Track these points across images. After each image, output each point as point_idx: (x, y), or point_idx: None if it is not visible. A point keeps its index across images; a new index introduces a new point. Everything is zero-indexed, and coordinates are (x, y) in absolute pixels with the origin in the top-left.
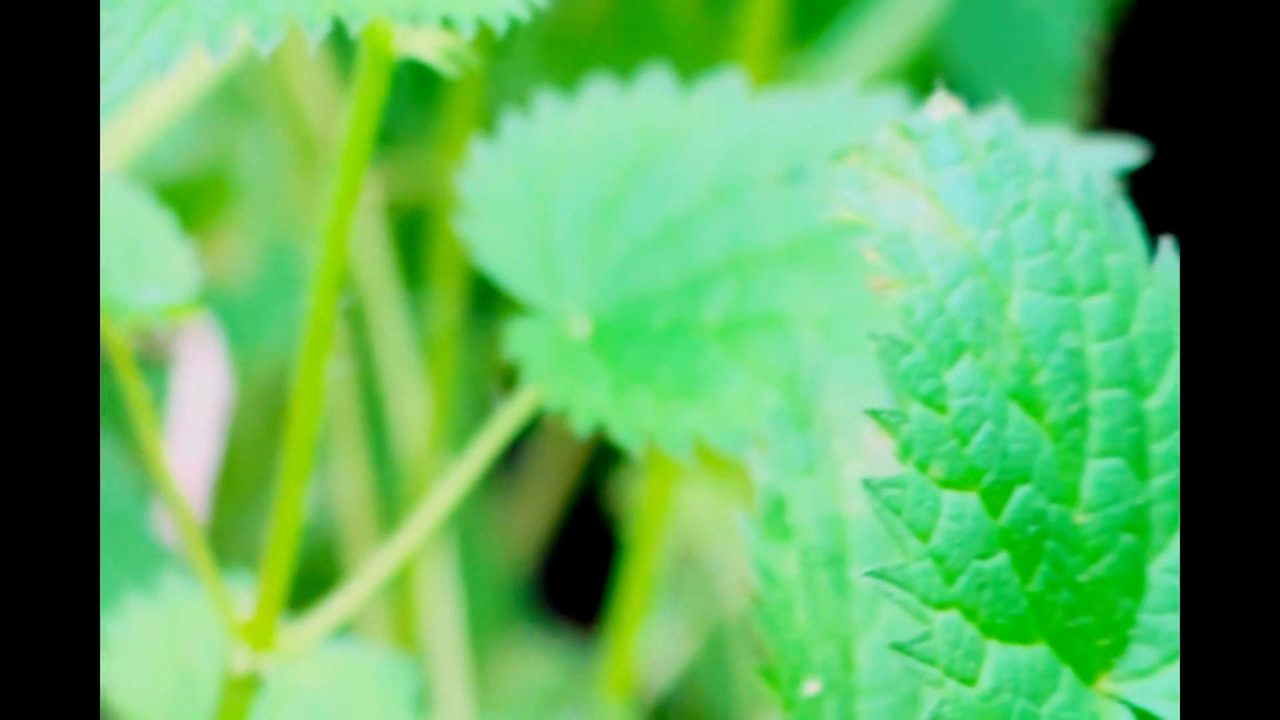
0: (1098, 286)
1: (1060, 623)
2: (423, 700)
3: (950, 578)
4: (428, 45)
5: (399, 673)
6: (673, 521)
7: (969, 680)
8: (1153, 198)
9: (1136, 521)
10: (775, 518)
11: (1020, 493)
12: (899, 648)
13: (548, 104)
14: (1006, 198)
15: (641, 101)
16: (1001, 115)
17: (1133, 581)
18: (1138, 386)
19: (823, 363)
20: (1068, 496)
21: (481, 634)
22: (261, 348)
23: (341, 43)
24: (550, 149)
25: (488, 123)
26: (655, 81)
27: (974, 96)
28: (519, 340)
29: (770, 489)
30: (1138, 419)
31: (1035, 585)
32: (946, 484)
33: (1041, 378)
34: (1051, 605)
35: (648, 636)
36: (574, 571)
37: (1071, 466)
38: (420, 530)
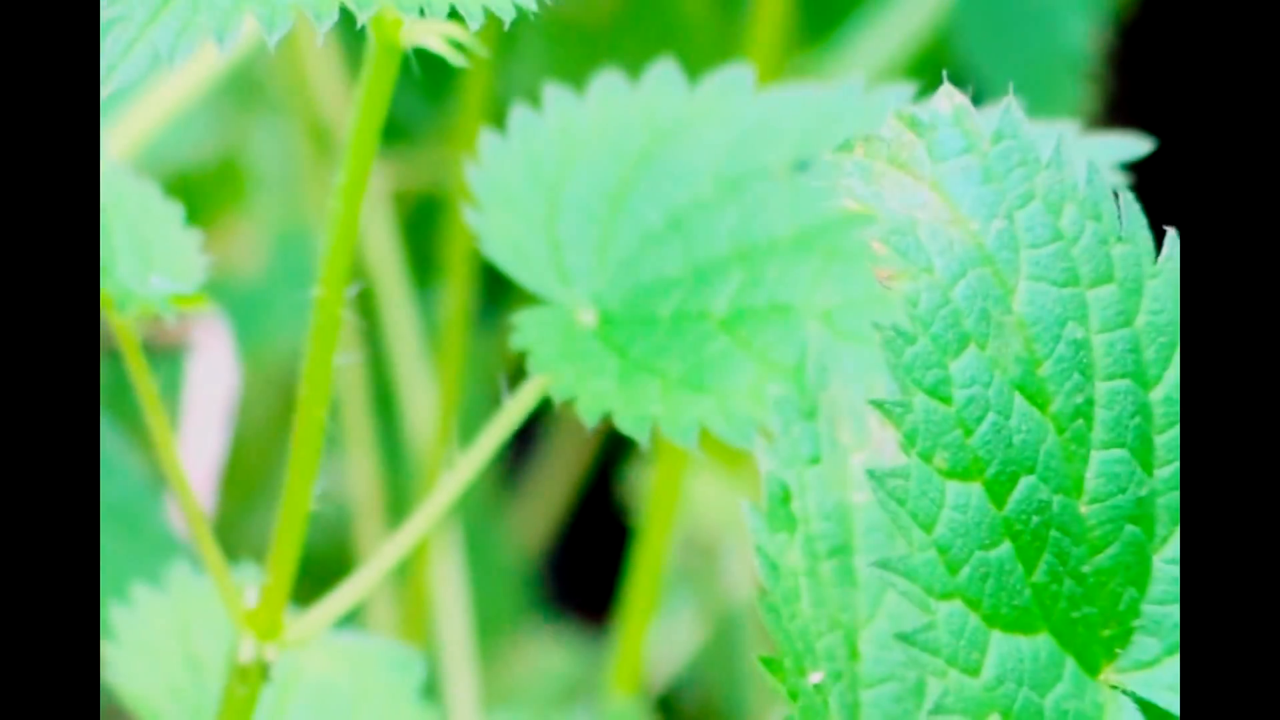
0: (1103, 277)
1: (1064, 613)
2: (430, 691)
3: (954, 568)
4: (436, 36)
5: (406, 663)
6: (682, 513)
7: (972, 670)
8: (1160, 190)
9: (1141, 512)
10: (780, 507)
11: (1024, 483)
12: (902, 637)
13: (556, 96)
14: (1012, 189)
15: (650, 94)
16: (1007, 107)
17: (1137, 572)
18: (1142, 378)
19: (829, 353)
20: (1072, 487)
21: (491, 625)
22: (272, 338)
23: (352, 34)
24: (559, 141)
25: (497, 116)
26: (664, 74)
27: (982, 90)
28: (527, 330)
29: (776, 478)
30: (1142, 410)
31: (1039, 576)
32: (950, 474)
33: (1046, 368)
34: (1055, 596)
35: (657, 628)
36: (584, 563)
37: (1076, 457)
38: (428, 519)
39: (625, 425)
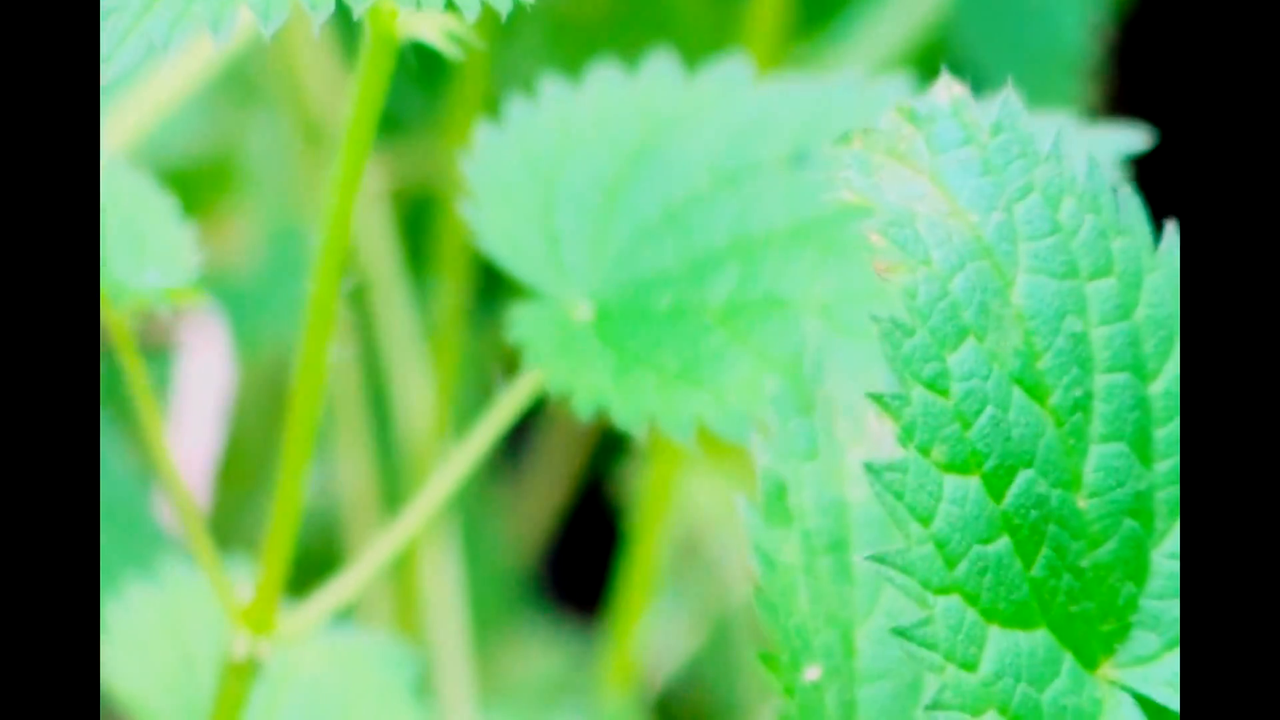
0: (1102, 270)
1: (1062, 608)
2: (423, 687)
3: (951, 562)
4: (432, 28)
5: (399, 659)
6: (679, 511)
7: (970, 666)
8: (1160, 183)
9: (1139, 507)
10: (777, 503)
11: (1022, 477)
12: (900, 633)
13: (552, 88)
14: (1011, 181)
15: (646, 86)
16: (1006, 99)
17: (1135, 567)
18: (1141, 371)
19: (826, 347)
20: (1070, 481)
21: (485, 622)
22: (266, 333)
23: (348, 28)
24: (555, 133)
25: (494, 108)
26: (660, 66)
27: (981, 83)
28: (522, 324)
29: (772, 474)
30: (1141, 404)
31: (1037, 570)
32: (948, 468)
33: (1045, 362)
34: (1053, 590)
35: (653, 626)
36: (579, 560)
37: (1074, 451)
38: (422, 515)
39: (621, 420)
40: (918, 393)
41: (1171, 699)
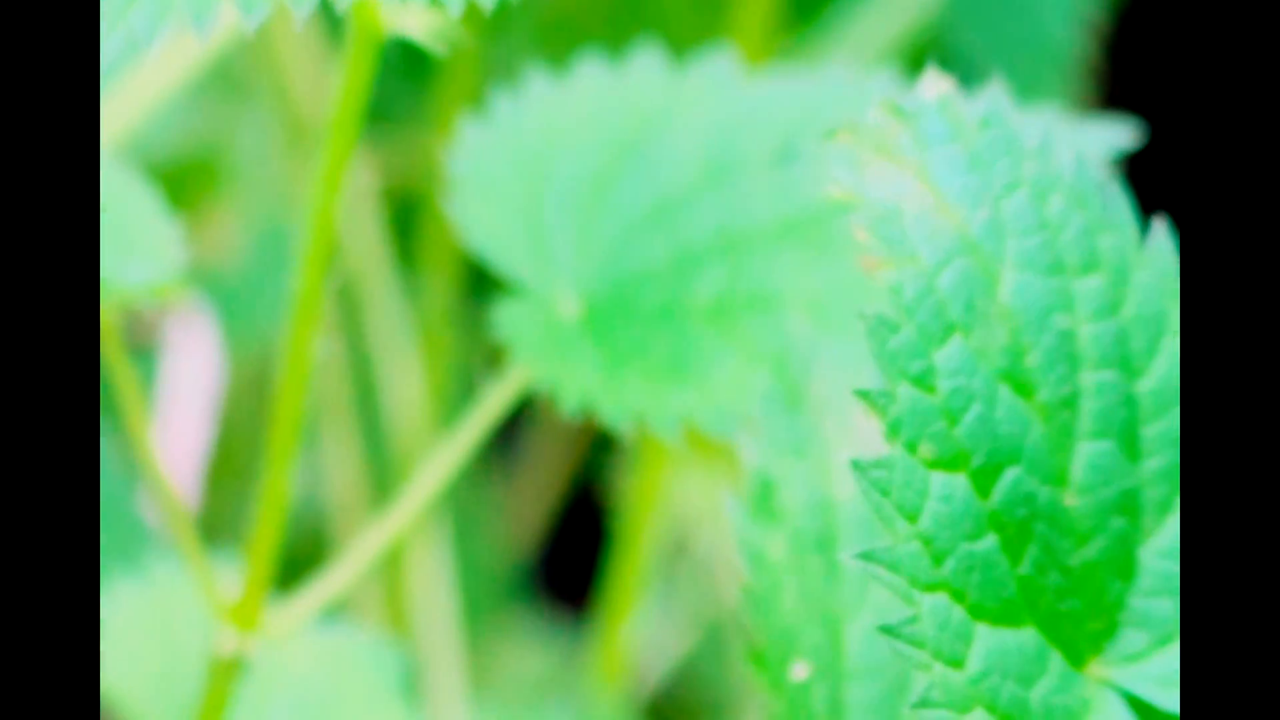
0: (1089, 267)
1: (1050, 606)
2: (412, 685)
3: (938, 560)
4: (416, 23)
5: (388, 657)
6: (669, 509)
7: (957, 663)
8: (1153, 180)
9: (1127, 504)
10: (764, 500)
11: (1010, 474)
12: (887, 630)
13: (539, 83)
14: (998, 177)
15: (633, 81)
16: (994, 95)
17: (1123, 565)
18: (1129, 368)
19: (813, 343)
20: (1058, 479)
21: (475, 620)
22: (254, 330)
23: (336, 25)
24: (541, 128)
25: (482, 101)
26: (647, 61)
27: (970, 79)
28: (508, 321)
29: (759, 471)
30: (1129, 401)
31: (1025, 568)
32: (935, 465)
33: (1032, 359)
34: (1041, 588)
35: (643, 624)
36: (569, 557)
37: (1062, 448)
38: (409, 511)
39: (608, 418)
40: (904, 389)
41: (1160, 698)
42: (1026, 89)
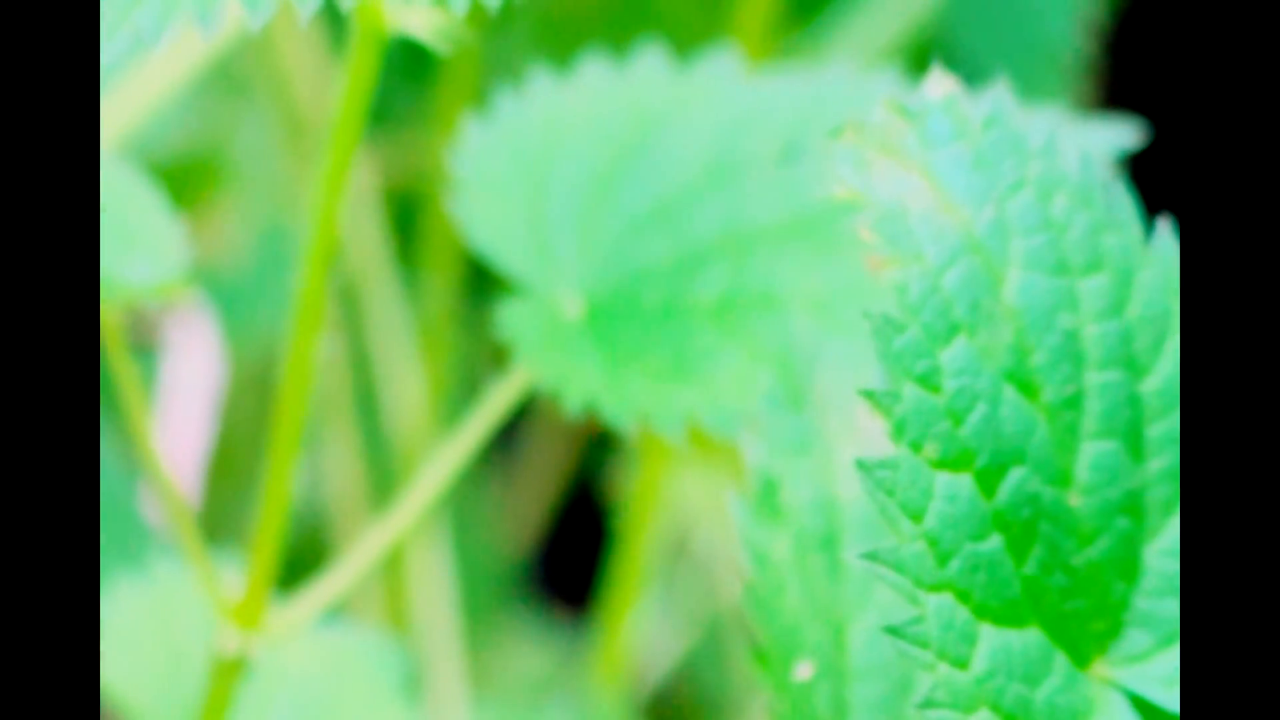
0: (1094, 267)
1: (1054, 606)
2: (413, 684)
3: (943, 560)
4: (420, 22)
5: (389, 656)
6: (670, 508)
7: (961, 664)
8: (1155, 180)
9: (1132, 505)
10: (768, 499)
11: (1014, 474)
12: (891, 631)
13: (541, 82)
14: (1003, 176)
15: (636, 79)
16: (998, 94)
17: (1128, 565)
18: (1134, 368)
19: (817, 343)
20: (1062, 479)
21: (475, 619)
22: (256, 329)
23: (339, 24)
24: (544, 127)
25: (485, 99)
26: (650, 60)
27: (974, 78)
28: (510, 321)
29: (763, 470)
30: (1134, 401)
31: (1029, 568)
32: (940, 465)
33: (1037, 358)
34: (1045, 588)
35: (644, 623)
36: (569, 557)
37: (1066, 448)
38: (411, 511)
39: (610, 417)
40: (909, 389)
41: (1164, 698)
42: (1028, 88)
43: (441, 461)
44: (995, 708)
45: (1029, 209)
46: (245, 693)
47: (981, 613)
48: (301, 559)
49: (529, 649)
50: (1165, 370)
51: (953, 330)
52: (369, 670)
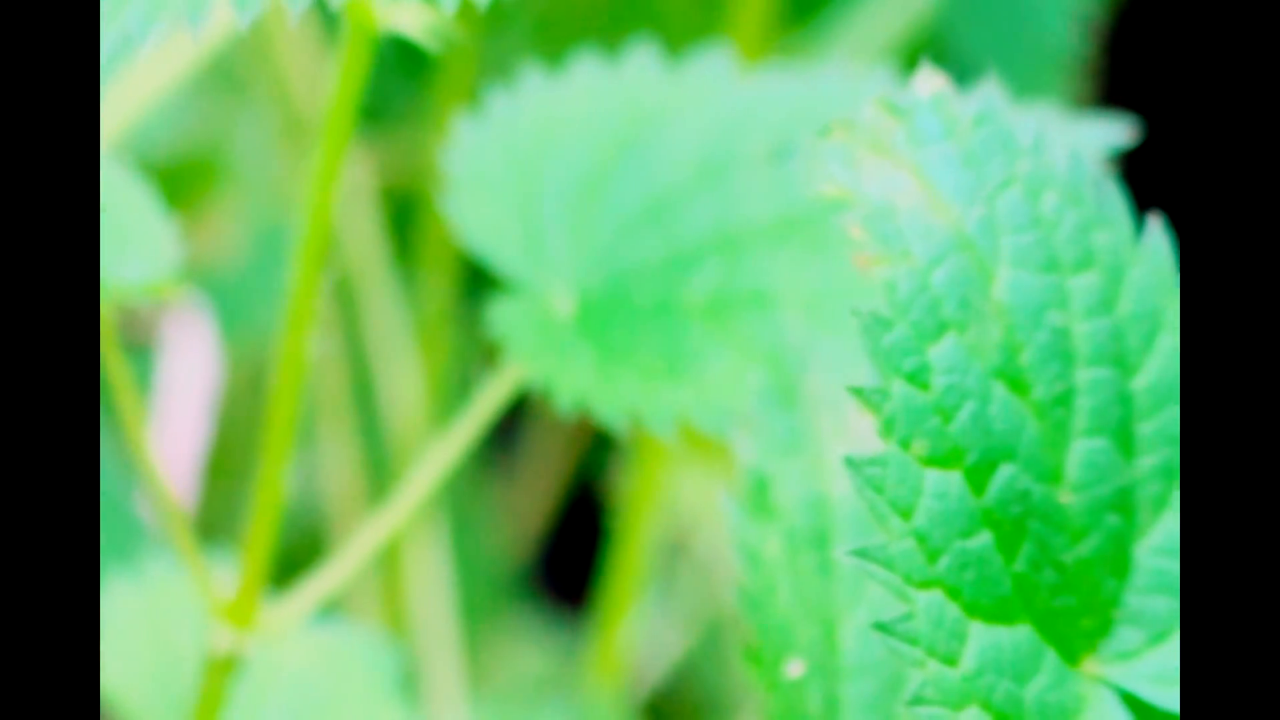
0: (1084, 264)
1: (1044, 603)
2: (409, 683)
3: (933, 557)
4: (412, 21)
5: (385, 654)
6: (667, 507)
7: (951, 661)
8: (1149, 177)
9: (1122, 502)
10: (759, 498)
11: (1004, 472)
12: (881, 628)
13: (534, 81)
14: (992, 174)
15: (629, 78)
16: (988, 92)
17: (1118, 562)
18: (1124, 365)
19: (808, 341)
20: (1052, 476)
21: (473, 618)
22: (251, 328)
23: (335, 23)
24: (537, 125)
25: (479, 97)
26: (643, 59)
27: (969, 77)
28: (503, 319)
29: (754, 469)
30: (1124, 398)
31: (1019, 565)
32: (929, 462)
33: (1026, 356)
34: (1035, 586)
35: (641, 622)
36: (567, 556)
37: (1056, 446)
38: (406, 509)
39: (602, 415)
40: (898, 387)
41: (1155, 695)
42: (1023, 87)
43: (436, 459)
44: (985, 705)
45: (1018, 206)
46: (239, 691)
47: (971, 610)
48: (296, 557)
49: (527, 648)
50: (1155, 367)
51: (942, 328)
52: (365, 669)
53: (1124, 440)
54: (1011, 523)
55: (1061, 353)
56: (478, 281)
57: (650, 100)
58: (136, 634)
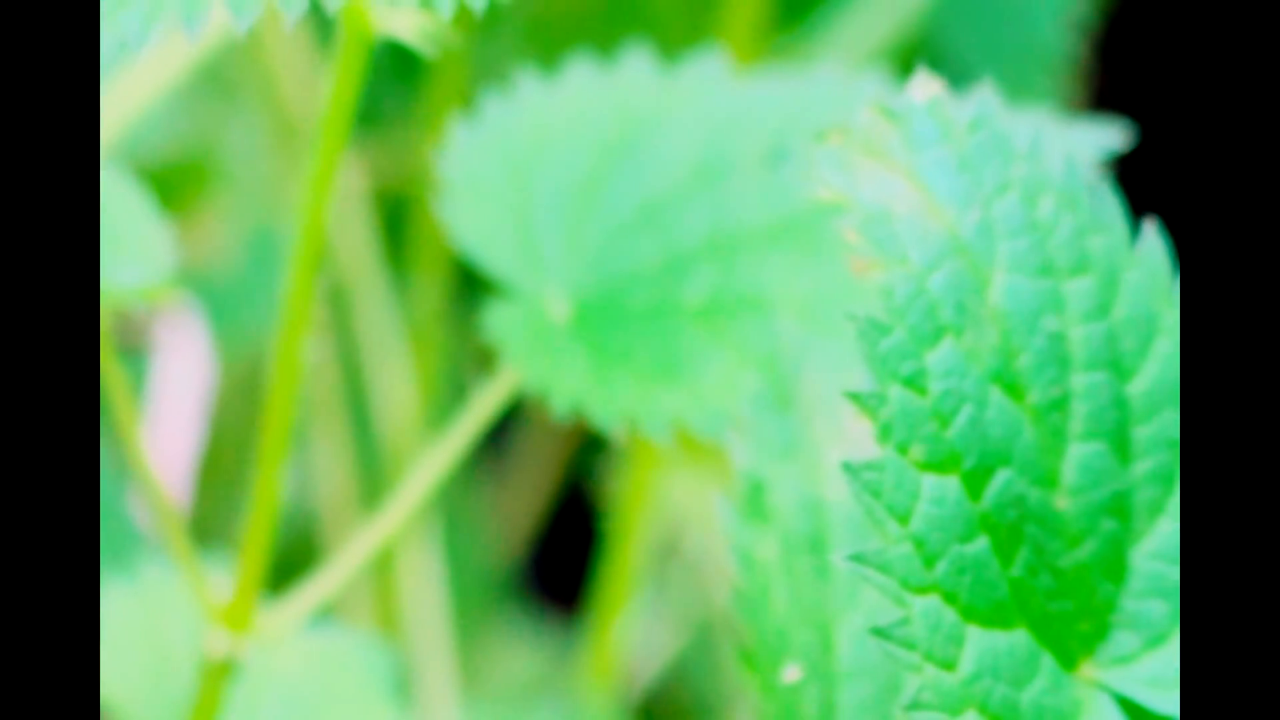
0: (1080, 269)
1: (1041, 608)
2: (403, 686)
3: (930, 562)
4: (406, 25)
5: (379, 658)
6: (660, 510)
7: (948, 665)
8: (1144, 182)
9: (1118, 506)
10: (755, 501)
11: (1001, 476)
12: (878, 632)
13: (528, 84)
14: (988, 179)
15: (623, 82)
16: (984, 96)
17: (1114, 567)
18: (1120, 370)
19: (803, 345)
20: (1049, 480)
21: (466, 621)
22: (245, 331)
23: (328, 27)
24: (531, 129)
25: (473, 107)
26: (637, 62)
27: (963, 80)
28: (498, 323)
29: (750, 473)
30: (1120, 403)
31: (1016, 570)
32: (926, 467)
33: (1023, 360)
34: (1032, 590)
35: (635, 627)
36: (560, 558)
37: (1053, 450)
38: (401, 513)
39: (598, 419)
40: (895, 391)
41: (1151, 699)
42: (1016, 90)
43: (430, 463)
44: (982, 709)
45: (1014, 211)
46: (234, 695)
47: (968, 614)
48: (291, 561)
49: (520, 650)
50: (1152, 372)
51: (938, 332)
52: (359, 672)
53: (1120, 445)
54: (1008, 527)
55: (1057, 357)
56: (471, 285)
57: (644, 104)
58: (132, 638)
